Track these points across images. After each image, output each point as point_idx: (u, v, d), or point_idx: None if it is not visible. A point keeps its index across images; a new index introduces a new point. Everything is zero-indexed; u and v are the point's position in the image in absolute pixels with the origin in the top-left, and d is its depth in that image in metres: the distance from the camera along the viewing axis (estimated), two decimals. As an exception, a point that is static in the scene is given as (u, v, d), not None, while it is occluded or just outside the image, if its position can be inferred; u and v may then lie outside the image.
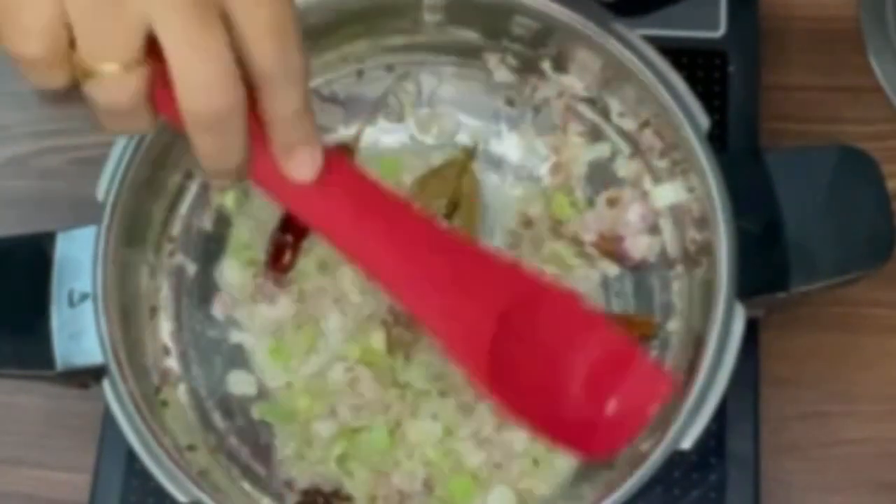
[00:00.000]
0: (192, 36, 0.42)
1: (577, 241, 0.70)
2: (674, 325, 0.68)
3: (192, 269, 0.71)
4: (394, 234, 0.52)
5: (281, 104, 0.46)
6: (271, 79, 0.45)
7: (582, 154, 0.72)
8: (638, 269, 0.70)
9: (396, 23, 0.71)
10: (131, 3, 0.42)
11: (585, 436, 0.54)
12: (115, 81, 0.43)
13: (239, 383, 0.70)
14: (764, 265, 0.62)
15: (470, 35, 0.71)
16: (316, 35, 0.70)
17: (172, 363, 0.69)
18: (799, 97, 0.77)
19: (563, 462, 0.67)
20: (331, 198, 0.50)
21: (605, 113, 0.71)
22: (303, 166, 0.48)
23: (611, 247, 0.70)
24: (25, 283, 0.65)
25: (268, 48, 0.44)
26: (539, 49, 0.70)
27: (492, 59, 0.72)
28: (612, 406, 0.54)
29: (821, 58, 0.78)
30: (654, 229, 0.70)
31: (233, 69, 0.43)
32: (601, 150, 0.71)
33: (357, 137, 0.73)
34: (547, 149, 0.72)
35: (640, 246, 0.70)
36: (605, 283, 0.70)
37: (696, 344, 0.64)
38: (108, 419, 0.69)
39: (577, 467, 0.67)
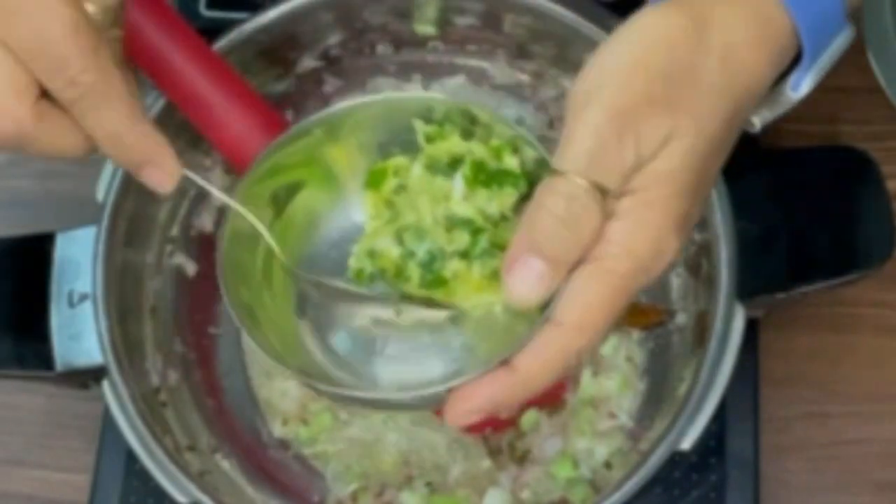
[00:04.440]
0: None
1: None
2: (673, 326, 0.68)
3: (192, 269, 0.71)
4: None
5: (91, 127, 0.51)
6: (70, 107, 0.50)
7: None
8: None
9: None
10: None
11: None
12: None
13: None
14: (764, 265, 0.62)
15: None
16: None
17: (172, 363, 0.69)
18: (799, 97, 0.77)
19: (562, 464, 0.67)
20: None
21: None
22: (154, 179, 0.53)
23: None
24: (25, 283, 0.65)
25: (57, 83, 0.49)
26: (539, 49, 0.70)
27: (492, 61, 0.72)
28: None
29: (821, 58, 0.78)
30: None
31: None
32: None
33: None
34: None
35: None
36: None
37: (697, 344, 0.64)
38: (108, 419, 0.69)
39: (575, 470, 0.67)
